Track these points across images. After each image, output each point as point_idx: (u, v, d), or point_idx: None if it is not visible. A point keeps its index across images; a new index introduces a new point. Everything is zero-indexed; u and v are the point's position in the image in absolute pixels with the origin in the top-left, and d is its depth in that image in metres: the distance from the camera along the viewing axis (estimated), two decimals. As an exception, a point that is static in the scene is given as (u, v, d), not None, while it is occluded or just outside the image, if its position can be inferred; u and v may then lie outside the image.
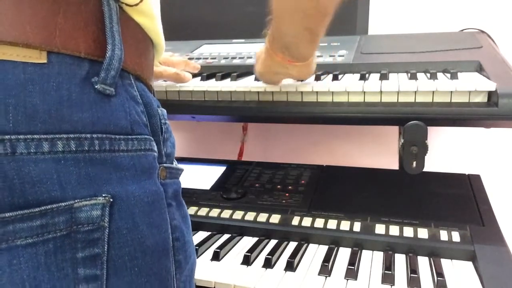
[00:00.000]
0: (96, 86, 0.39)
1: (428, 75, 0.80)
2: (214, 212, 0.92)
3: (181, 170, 0.52)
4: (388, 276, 0.69)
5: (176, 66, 0.88)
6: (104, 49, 0.40)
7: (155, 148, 0.45)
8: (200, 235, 0.87)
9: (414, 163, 0.73)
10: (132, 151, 0.41)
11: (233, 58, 1.02)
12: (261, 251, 0.80)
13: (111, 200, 0.39)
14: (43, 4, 0.36)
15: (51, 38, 0.36)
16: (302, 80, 0.81)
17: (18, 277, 0.35)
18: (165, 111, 0.50)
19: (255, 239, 0.85)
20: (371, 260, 0.76)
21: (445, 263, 0.74)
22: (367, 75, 0.84)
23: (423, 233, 0.80)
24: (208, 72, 0.92)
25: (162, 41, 0.51)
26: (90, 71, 0.39)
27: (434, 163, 0.90)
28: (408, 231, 0.80)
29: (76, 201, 0.37)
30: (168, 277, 0.45)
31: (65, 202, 0.36)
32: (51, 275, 0.37)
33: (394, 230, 0.81)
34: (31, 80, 0.35)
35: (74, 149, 0.37)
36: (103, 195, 0.38)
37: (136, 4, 0.43)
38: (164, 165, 0.47)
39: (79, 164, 0.37)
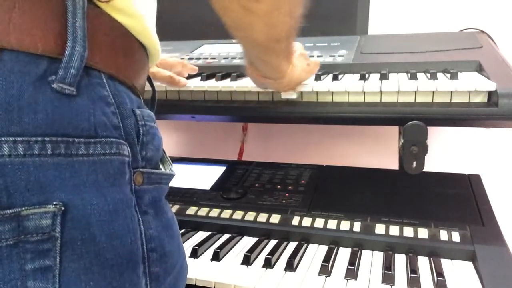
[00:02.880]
0: (53, 85, 0.36)
1: (428, 75, 0.80)
2: (214, 212, 0.92)
3: (168, 175, 0.49)
4: (388, 276, 0.69)
5: (173, 67, 0.86)
6: (64, 45, 0.37)
7: (126, 152, 0.42)
8: (200, 235, 0.87)
9: (414, 163, 0.73)
10: (93, 156, 0.38)
11: (233, 58, 1.02)
12: (261, 251, 0.80)
13: (63, 208, 0.36)
14: None
15: (4, 34, 0.34)
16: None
17: None
18: (148, 112, 0.47)
19: (255, 239, 0.85)
20: (371, 260, 0.76)
21: (445, 263, 0.74)
22: (367, 75, 0.84)
23: (423, 233, 0.80)
24: (208, 72, 0.92)
25: (155, 42, 0.48)
26: (49, 69, 0.36)
27: (434, 163, 0.90)
28: (408, 231, 0.80)
29: (23, 208, 0.34)
30: None
31: (11, 210, 0.34)
32: None
33: (394, 230, 0.81)
34: None
35: (22, 153, 0.34)
36: (54, 202, 0.35)
37: (108, 1, 0.41)
38: (141, 169, 0.44)
39: (28, 169, 0.34)
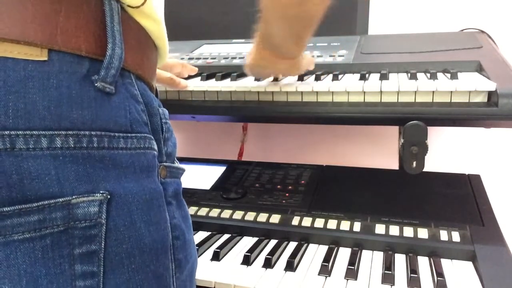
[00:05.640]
0: (96, 84, 0.39)
1: (428, 75, 0.80)
2: (214, 212, 0.92)
3: (182, 170, 0.52)
4: (388, 276, 0.69)
5: (173, 69, 0.87)
6: (104, 48, 0.40)
7: (155, 147, 0.45)
8: (200, 235, 0.87)
9: (414, 163, 0.73)
10: (131, 149, 0.42)
11: (233, 58, 1.02)
12: (261, 251, 0.80)
13: (109, 197, 0.39)
14: (45, 2, 0.37)
15: (52, 36, 0.37)
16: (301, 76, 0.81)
17: (15, 272, 0.36)
18: (166, 111, 0.50)
19: (255, 239, 0.85)
20: (371, 260, 0.76)
21: (445, 263, 0.74)
22: (367, 75, 0.84)
23: (423, 233, 0.80)
24: (208, 72, 0.92)
25: (166, 45, 0.52)
26: (91, 69, 0.39)
27: (434, 163, 0.90)
28: (408, 231, 0.80)
29: (73, 197, 0.37)
30: (167, 276, 0.45)
31: (63, 198, 0.37)
32: (48, 270, 0.37)
33: (394, 230, 0.81)
34: (32, 77, 0.36)
35: (72, 145, 0.37)
36: (101, 191, 0.39)
37: (138, 6, 0.43)
38: (165, 164, 0.47)
39: (77, 161, 0.38)
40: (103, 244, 0.39)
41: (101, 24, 0.40)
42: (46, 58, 0.37)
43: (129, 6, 0.43)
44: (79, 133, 0.38)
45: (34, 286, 0.37)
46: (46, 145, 0.36)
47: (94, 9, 0.40)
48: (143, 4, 0.44)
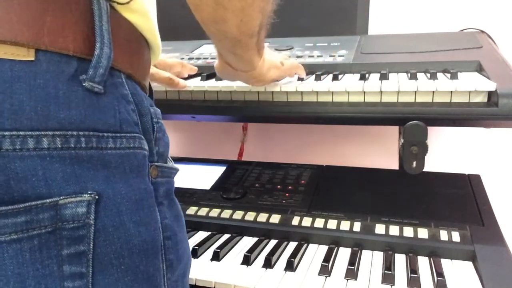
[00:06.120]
0: (84, 84, 0.39)
1: (428, 75, 0.80)
2: (214, 212, 0.92)
3: (175, 169, 0.52)
4: (388, 276, 0.69)
5: (172, 68, 0.87)
6: (93, 47, 0.40)
7: (146, 147, 0.45)
8: (200, 235, 0.87)
9: (414, 163, 0.74)
10: (120, 149, 0.41)
11: (233, 58, 1.01)
12: (261, 251, 0.80)
13: (97, 197, 0.39)
14: (31, 2, 0.37)
15: (39, 36, 0.37)
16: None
17: (3, 273, 0.36)
18: (158, 110, 0.50)
19: (255, 239, 0.85)
20: (371, 260, 0.76)
21: (445, 263, 0.74)
22: (367, 75, 0.84)
23: (423, 233, 0.80)
24: (208, 72, 0.92)
25: (158, 41, 0.51)
26: (79, 69, 0.39)
27: (434, 163, 0.90)
28: (408, 231, 0.80)
29: (61, 198, 0.37)
30: (157, 276, 0.45)
31: (50, 199, 0.36)
32: (36, 271, 0.37)
33: (394, 230, 0.81)
34: (18, 77, 0.36)
35: (59, 146, 0.37)
36: (89, 192, 0.38)
37: (127, 3, 0.43)
38: (156, 164, 0.47)
39: (64, 161, 0.37)
40: (91, 245, 0.39)
41: (89, 23, 0.40)
42: (33, 58, 0.36)
43: (118, 3, 0.43)
44: (67, 133, 0.37)
45: (22, 287, 0.36)
46: (32, 146, 0.36)
47: (82, 9, 0.40)
48: (131, 0, 0.43)
